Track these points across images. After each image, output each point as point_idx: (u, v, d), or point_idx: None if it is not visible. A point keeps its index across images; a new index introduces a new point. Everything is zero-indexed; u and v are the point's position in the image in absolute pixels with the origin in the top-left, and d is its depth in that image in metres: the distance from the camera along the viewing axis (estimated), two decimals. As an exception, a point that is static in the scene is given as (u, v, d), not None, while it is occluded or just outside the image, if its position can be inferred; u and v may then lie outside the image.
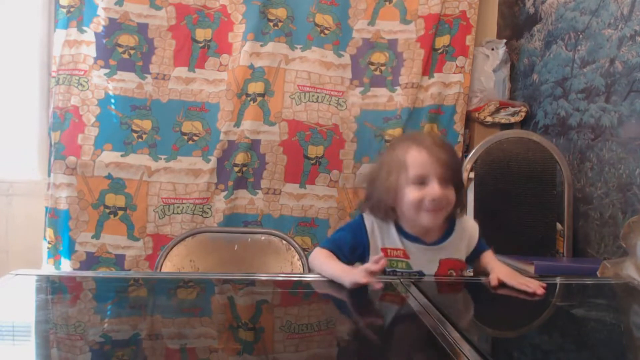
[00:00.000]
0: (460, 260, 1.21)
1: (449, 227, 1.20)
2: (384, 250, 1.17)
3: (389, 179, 1.14)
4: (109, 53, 2.17)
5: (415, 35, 2.29)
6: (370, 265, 1.02)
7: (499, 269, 1.15)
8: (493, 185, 1.85)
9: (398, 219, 1.18)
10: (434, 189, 1.09)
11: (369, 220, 1.19)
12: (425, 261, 1.17)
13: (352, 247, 1.17)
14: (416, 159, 1.11)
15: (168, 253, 1.76)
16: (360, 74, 2.30)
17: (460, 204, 1.18)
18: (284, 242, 1.83)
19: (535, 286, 1.03)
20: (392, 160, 1.16)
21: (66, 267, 2.11)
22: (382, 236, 1.18)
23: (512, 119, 2.24)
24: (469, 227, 1.24)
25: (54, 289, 0.98)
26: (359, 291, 1.08)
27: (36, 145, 2.30)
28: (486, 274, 1.18)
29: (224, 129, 2.19)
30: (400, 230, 1.18)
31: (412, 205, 1.11)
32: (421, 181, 1.11)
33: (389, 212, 1.16)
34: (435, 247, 1.18)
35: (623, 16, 1.67)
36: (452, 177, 1.12)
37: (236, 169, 2.19)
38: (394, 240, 1.17)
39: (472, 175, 1.89)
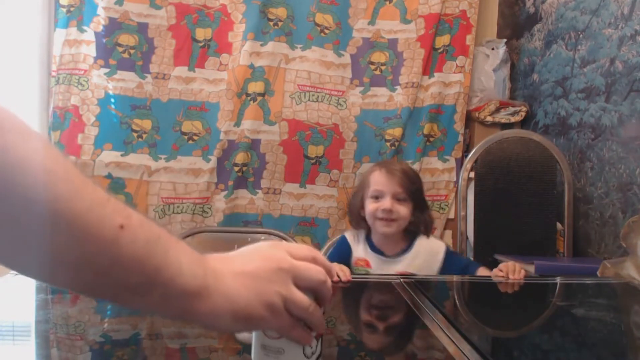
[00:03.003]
0: (414, 275, 1.33)
1: (409, 244, 1.39)
2: (356, 258, 1.40)
3: (359, 193, 1.43)
4: (109, 52, 2.17)
5: (415, 34, 2.29)
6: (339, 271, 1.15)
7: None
8: (493, 185, 1.85)
9: (370, 230, 1.41)
10: (385, 202, 1.33)
11: (349, 236, 1.44)
12: (383, 271, 1.36)
13: (340, 261, 1.32)
14: (376, 178, 1.38)
15: (168, 253, 1.76)
16: (361, 74, 2.30)
17: (423, 223, 1.39)
18: (284, 242, 1.83)
19: (510, 273, 1.18)
20: (363, 179, 1.46)
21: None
22: (357, 248, 1.41)
23: (512, 119, 2.24)
24: (433, 247, 1.40)
25: (54, 289, 0.98)
26: (359, 291, 1.08)
27: (36, 145, 2.29)
28: None
29: (224, 129, 2.19)
30: (369, 243, 1.40)
31: (369, 215, 1.36)
32: (377, 196, 1.36)
33: (360, 222, 1.41)
34: (392, 259, 1.38)
35: (623, 16, 1.67)
36: (407, 197, 1.35)
37: (236, 168, 2.19)
38: (362, 251, 1.40)
39: (472, 175, 1.89)
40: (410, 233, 1.39)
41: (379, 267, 1.37)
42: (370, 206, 1.36)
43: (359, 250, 1.41)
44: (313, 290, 0.51)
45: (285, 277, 0.48)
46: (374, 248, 1.39)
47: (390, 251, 1.38)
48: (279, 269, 0.48)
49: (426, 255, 1.38)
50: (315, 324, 0.51)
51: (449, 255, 1.39)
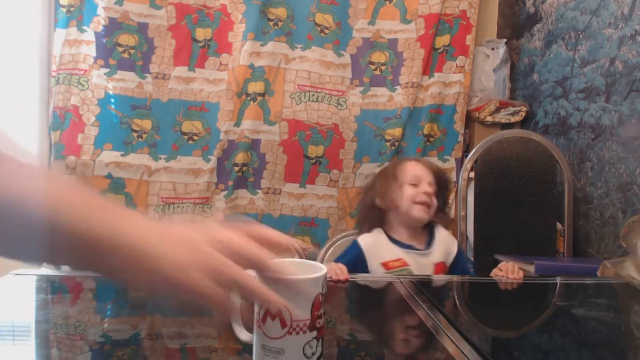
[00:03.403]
0: (445, 263, 1.35)
1: (430, 235, 1.37)
2: (385, 264, 1.28)
3: (385, 185, 1.37)
4: (109, 52, 2.17)
5: (415, 34, 2.30)
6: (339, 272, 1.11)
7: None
8: (493, 185, 1.85)
9: (387, 228, 1.36)
10: (425, 187, 1.33)
11: (363, 241, 1.34)
12: (422, 266, 1.30)
13: (351, 266, 1.26)
14: (413, 166, 1.37)
15: (168, 253, 1.76)
16: (361, 74, 2.30)
17: (442, 216, 1.39)
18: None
19: (509, 273, 1.18)
20: (390, 171, 1.40)
21: (66, 267, 2.11)
22: (380, 253, 1.31)
23: (512, 119, 2.24)
24: (450, 238, 1.40)
25: (54, 289, 0.98)
26: (359, 291, 1.08)
27: (36, 145, 2.29)
28: None
29: (224, 129, 2.19)
30: (395, 242, 1.33)
31: (408, 200, 1.32)
32: (415, 182, 1.33)
33: (378, 218, 1.36)
34: (425, 252, 1.33)
35: (623, 16, 1.67)
36: (438, 187, 1.35)
37: (236, 168, 2.19)
38: (392, 252, 1.30)
39: (472, 175, 1.89)
40: (427, 224, 1.38)
41: (416, 263, 1.30)
42: (408, 191, 1.32)
43: (387, 253, 1.31)
44: (254, 266, 0.48)
45: (216, 247, 0.46)
46: (403, 245, 1.32)
47: (420, 244, 1.35)
48: (211, 239, 0.47)
49: (446, 245, 1.37)
50: (254, 295, 0.47)
51: (460, 252, 1.39)
